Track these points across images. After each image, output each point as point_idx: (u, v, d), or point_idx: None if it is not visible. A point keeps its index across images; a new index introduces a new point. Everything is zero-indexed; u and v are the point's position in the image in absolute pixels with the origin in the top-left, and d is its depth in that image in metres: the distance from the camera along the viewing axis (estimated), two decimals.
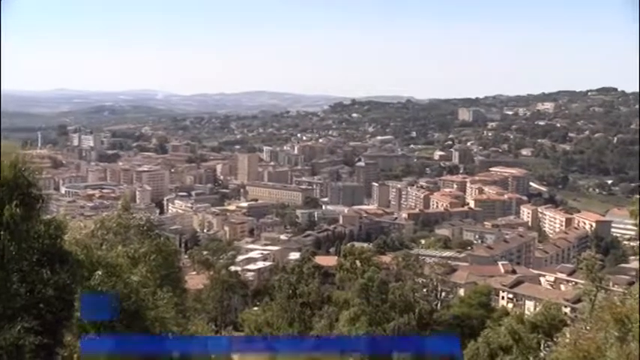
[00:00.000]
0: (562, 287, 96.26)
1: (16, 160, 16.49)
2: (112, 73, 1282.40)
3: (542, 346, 41.68)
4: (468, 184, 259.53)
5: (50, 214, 17.88)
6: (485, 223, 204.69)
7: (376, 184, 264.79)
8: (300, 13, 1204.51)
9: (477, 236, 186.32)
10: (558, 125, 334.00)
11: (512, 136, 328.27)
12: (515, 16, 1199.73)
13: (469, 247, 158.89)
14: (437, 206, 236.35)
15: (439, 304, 66.22)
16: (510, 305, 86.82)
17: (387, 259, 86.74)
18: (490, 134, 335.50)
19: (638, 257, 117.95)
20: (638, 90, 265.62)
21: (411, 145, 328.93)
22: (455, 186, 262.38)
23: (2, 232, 16.08)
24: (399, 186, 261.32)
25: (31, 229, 16.44)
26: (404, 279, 62.39)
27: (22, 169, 16.52)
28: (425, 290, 64.62)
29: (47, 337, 16.31)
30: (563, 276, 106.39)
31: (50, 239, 16.74)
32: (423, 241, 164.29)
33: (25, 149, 17.81)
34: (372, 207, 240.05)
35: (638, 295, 17.30)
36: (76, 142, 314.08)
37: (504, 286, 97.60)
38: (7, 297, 15.27)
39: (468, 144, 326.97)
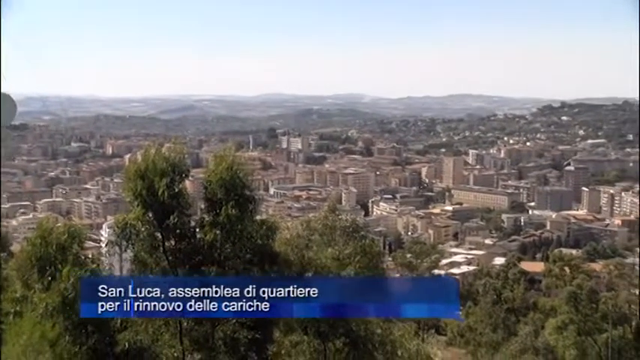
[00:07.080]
0: None
1: (231, 163, 17.34)
2: (321, 77, 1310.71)
3: None
4: None
5: (260, 215, 18.59)
6: None
7: (586, 189, 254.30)
8: (507, 16, 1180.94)
9: None
10: None
11: None
12: None
13: None
14: None
15: None
16: None
17: (597, 266, 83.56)
18: None
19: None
20: None
21: (627, 149, 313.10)
22: None
23: (219, 232, 17.00)
24: (611, 191, 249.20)
25: (245, 229, 17.21)
26: (617, 288, 59.71)
27: (237, 172, 17.34)
28: None
29: (259, 333, 17.14)
30: None
31: (262, 239, 17.47)
32: (638, 250, 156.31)
33: (238, 152, 18.64)
34: (581, 212, 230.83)
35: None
36: (284, 145, 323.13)
37: None
38: None
39: None
